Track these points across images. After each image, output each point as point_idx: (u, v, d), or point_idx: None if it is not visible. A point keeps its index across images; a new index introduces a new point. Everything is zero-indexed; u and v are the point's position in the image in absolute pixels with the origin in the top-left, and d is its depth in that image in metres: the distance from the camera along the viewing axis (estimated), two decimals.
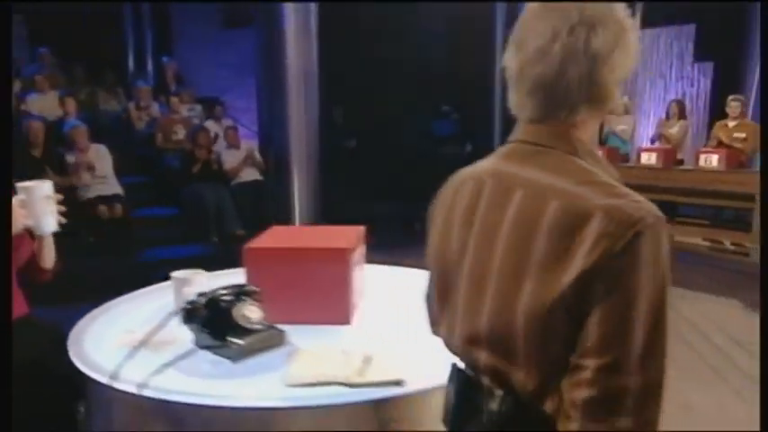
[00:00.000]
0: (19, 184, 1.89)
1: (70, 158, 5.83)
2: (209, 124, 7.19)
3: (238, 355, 1.42)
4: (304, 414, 1.32)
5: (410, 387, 1.36)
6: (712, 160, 6.57)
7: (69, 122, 6.30)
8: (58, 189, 2.02)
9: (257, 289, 1.53)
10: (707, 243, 6.87)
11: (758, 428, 1.81)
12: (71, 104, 6.75)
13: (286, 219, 7.72)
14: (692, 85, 9.52)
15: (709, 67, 9.33)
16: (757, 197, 6.10)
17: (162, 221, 6.52)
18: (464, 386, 1.09)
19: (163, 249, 6.00)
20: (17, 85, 6.98)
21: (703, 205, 7.02)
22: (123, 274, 4.90)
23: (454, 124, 9.11)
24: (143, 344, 1.41)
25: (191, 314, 1.43)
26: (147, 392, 1.31)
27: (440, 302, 1.14)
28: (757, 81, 8.21)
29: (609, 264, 0.88)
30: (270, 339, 1.49)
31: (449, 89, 8.86)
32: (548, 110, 0.98)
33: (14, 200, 1.83)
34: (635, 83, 9.32)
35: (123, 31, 9.45)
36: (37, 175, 5.60)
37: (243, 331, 1.44)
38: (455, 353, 1.11)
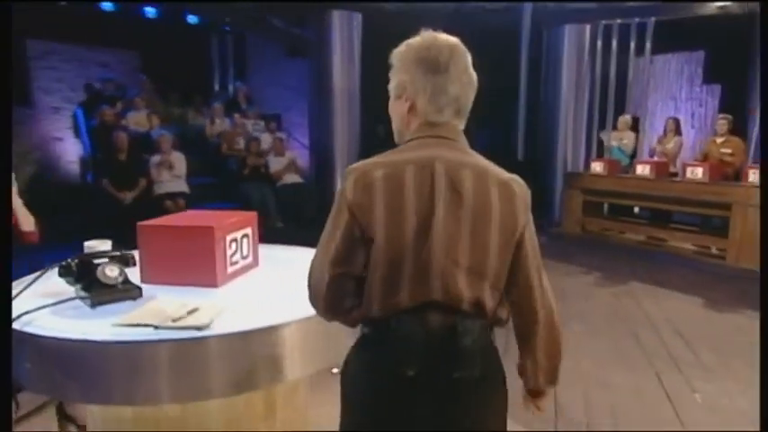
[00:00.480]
0: None
1: (155, 159, 6.28)
2: (265, 136, 7.51)
3: (96, 304, 1.59)
4: (168, 347, 1.46)
5: (209, 332, 1.49)
6: (697, 173, 6.23)
7: (157, 131, 6.81)
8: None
9: (124, 254, 1.70)
10: (694, 248, 6.53)
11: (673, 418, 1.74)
12: (155, 120, 7.27)
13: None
14: (701, 106, 9.01)
15: (716, 89, 8.82)
16: (735, 206, 5.76)
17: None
18: (437, 325, 1.19)
19: None
20: (119, 105, 7.55)
21: (692, 213, 6.67)
22: None
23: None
24: (23, 291, 1.60)
25: (65, 270, 1.61)
26: (15, 325, 1.50)
27: (387, 277, 1.18)
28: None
29: (529, 217, 1.25)
30: (126, 292, 1.64)
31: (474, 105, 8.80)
32: (455, 116, 1.26)
33: None
34: (647, 103, 8.91)
35: (211, 62, 10.00)
36: (122, 173, 6.13)
37: (103, 286, 1.60)
38: (421, 305, 1.19)
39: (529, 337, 1.30)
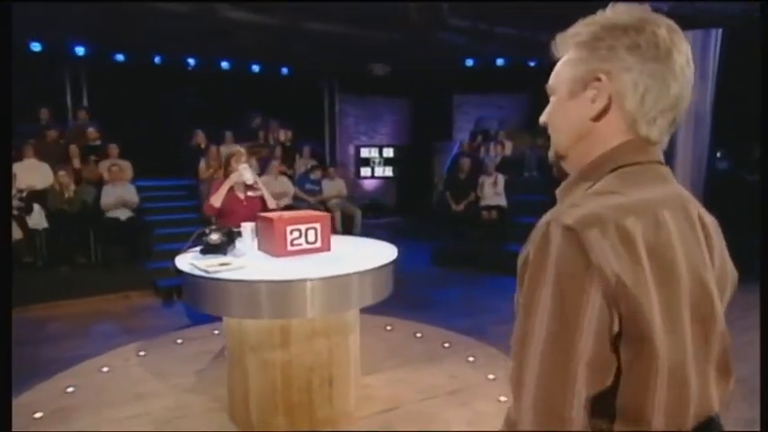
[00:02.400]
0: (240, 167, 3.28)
1: (481, 179, 7.03)
2: None
3: (204, 254, 2.55)
4: (235, 284, 2.26)
5: (256, 277, 2.24)
6: None
7: (490, 157, 7.52)
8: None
9: (223, 227, 2.59)
10: None
11: None
12: (500, 149, 7.91)
13: None
14: None
15: None
16: None
17: (528, 226, 6.94)
18: None
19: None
20: (479, 138, 8.52)
21: None
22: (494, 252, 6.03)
23: None
24: (190, 244, 2.70)
25: (201, 235, 2.62)
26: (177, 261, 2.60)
27: (670, 390, 0.67)
28: None
29: None
30: (219, 248, 2.53)
31: None
32: (669, 128, 0.78)
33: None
34: None
35: None
36: (459, 188, 7.08)
37: (207, 245, 2.55)
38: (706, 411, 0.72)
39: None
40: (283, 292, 2.25)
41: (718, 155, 7.69)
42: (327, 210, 6.82)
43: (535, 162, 8.21)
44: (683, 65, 0.72)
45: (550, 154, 0.83)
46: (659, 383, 0.66)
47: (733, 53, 6.68)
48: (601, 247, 0.63)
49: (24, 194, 5.26)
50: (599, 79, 0.73)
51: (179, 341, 3.77)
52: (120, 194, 5.71)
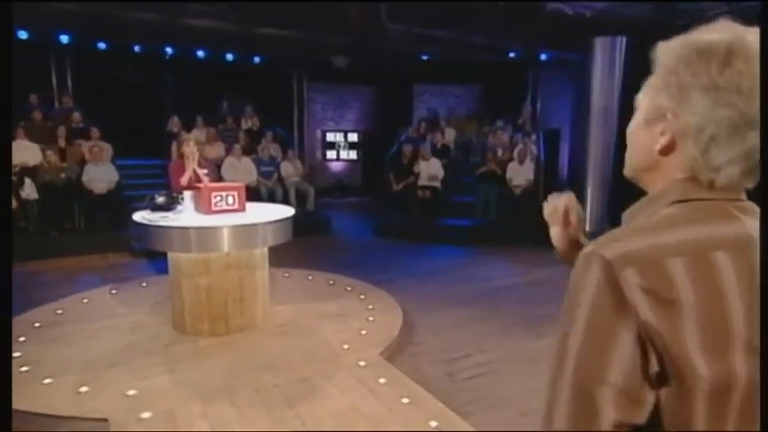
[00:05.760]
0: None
1: (420, 164, 8.18)
2: (520, 146, 8.18)
3: (153, 211, 3.69)
4: (176, 231, 3.47)
5: (164, 224, 3.38)
6: None
7: (423, 145, 8.64)
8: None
9: (168, 192, 3.73)
10: None
11: None
12: (438, 137, 9.03)
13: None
14: None
15: None
16: None
17: (461, 204, 8.11)
18: None
19: (454, 220, 7.72)
20: (423, 126, 9.63)
21: None
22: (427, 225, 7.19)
23: None
24: (145, 205, 3.83)
25: (150, 200, 3.76)
26: (135, 218, 3.74)
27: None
28: None
29: None
30: (163, 207, 3.68)
31: None
32: (743, 177, 0.70)
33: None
34: None
35: (522, 89, 10.89)
36: (401, 171, 8.22)
37: (155, 204, 3.69)
38: None
39: None
40: (205, 234, 3.41)
41: None
42: (284, 188, 7.94)
43: (479, 148, 9.34)
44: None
45: (625, 170, 0.80)
46: (698, 418, 0.65)
47: (640, 55, 7.81)
48: (635, 286, 0.63)
49: (17, 170, 6.35)
50: (665, 116, 0.71)
51: (144, 284, 4.94)
52: (100, 172, 6.81)
